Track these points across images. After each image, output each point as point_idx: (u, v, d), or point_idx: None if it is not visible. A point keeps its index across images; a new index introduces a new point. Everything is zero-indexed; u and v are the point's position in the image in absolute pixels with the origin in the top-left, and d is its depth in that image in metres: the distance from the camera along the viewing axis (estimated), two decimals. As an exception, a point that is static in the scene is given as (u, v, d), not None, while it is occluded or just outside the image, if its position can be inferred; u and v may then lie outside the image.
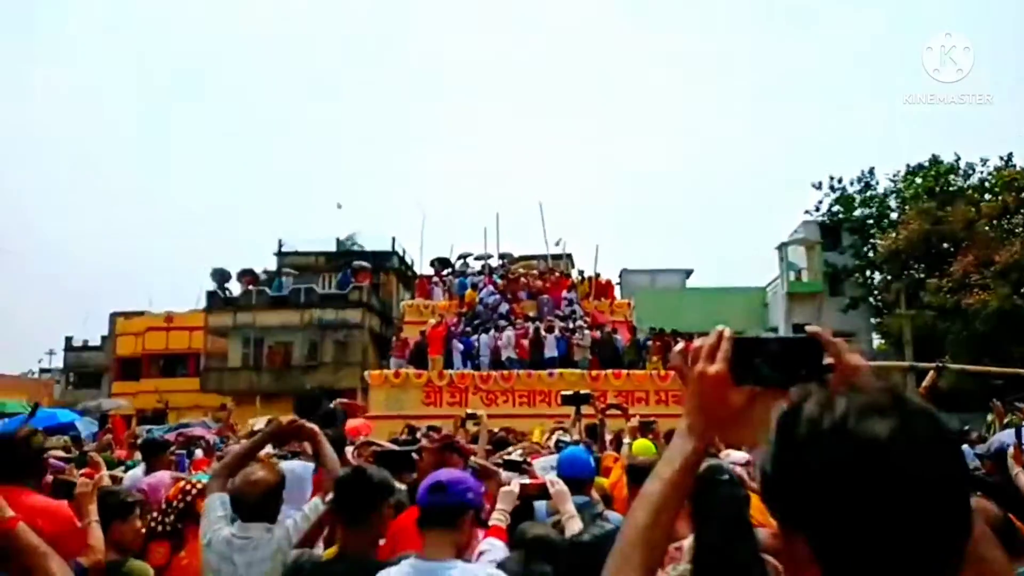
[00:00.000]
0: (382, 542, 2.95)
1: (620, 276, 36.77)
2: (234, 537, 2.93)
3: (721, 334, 1.07)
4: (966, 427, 13.61)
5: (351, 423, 11.56)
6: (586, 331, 20.13)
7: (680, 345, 1.17)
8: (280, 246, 35.03)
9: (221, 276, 30.97)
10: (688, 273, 40.81)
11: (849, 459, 0.73)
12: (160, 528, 3.76)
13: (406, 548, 2.91)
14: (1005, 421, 8.83)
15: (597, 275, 25.34)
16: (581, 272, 27.63)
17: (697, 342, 1.08)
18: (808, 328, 1.05)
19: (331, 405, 7.55)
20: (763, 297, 37.52)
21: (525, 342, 19.61)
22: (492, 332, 20.25)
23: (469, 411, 7.77)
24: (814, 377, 0.95)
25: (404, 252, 35.69)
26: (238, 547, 2.90)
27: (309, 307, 29.77)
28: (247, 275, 31.35)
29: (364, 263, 31.43)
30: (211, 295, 30.82)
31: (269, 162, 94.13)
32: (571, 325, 20.90)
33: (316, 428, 3.56)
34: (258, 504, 3.00)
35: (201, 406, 26.29)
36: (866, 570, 0.73)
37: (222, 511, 3.04)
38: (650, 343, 19.92)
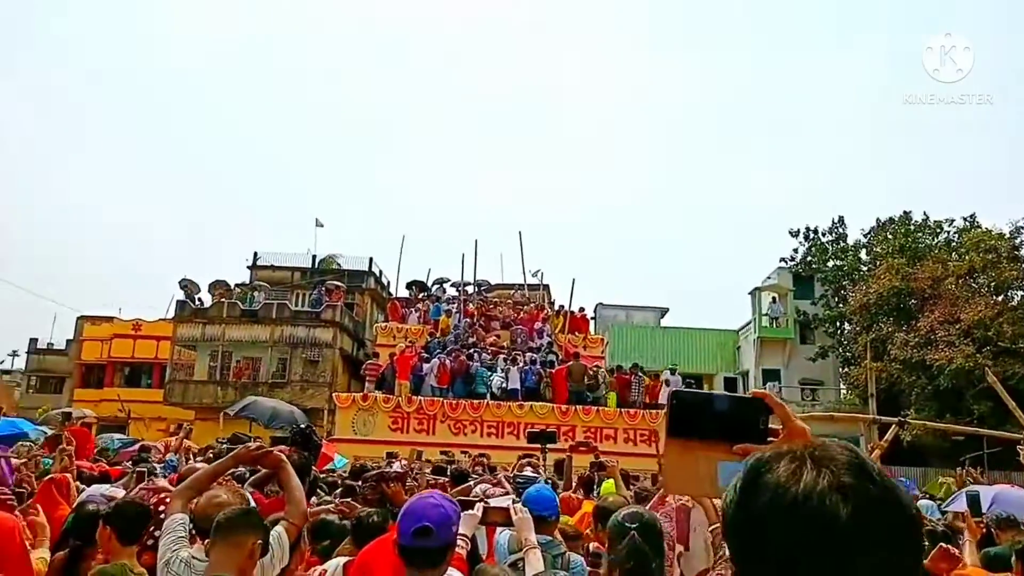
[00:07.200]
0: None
1: (595, 310, 36.97)
2: (194, 559, 2.86)
3: None
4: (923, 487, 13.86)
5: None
6: (559, 365, 20.16)
7: None
8: (255, 259, 34.73)
9: (190, 286, 30.57)
10: (664, 312, 41.13)
11: (805, 539, 0.77)
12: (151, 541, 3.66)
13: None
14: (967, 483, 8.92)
15: (581, 309, 25.54)
16: (556, 304, 27.76)
17: None
18: (754, 390, 1.13)
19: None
20: (735, 340, 37.93)
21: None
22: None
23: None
24: (758, 438, 1.02)
25: (381, 273, 35.56)
26: (199, 570, 2.82)
27: (280, 323, 29.47)
28: (219, 286, 31.00)
29: (338, 282, 31.22)
30: (180, 305, 30.40)
31: (250, 176, 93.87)
32: (544, 358, 20.92)
33: (283, 457, 3.55)
34: None
35: (164, 418, 25.79)
36: None
37: (182, 532, 2.97)
38: (612, 379, 19.97)
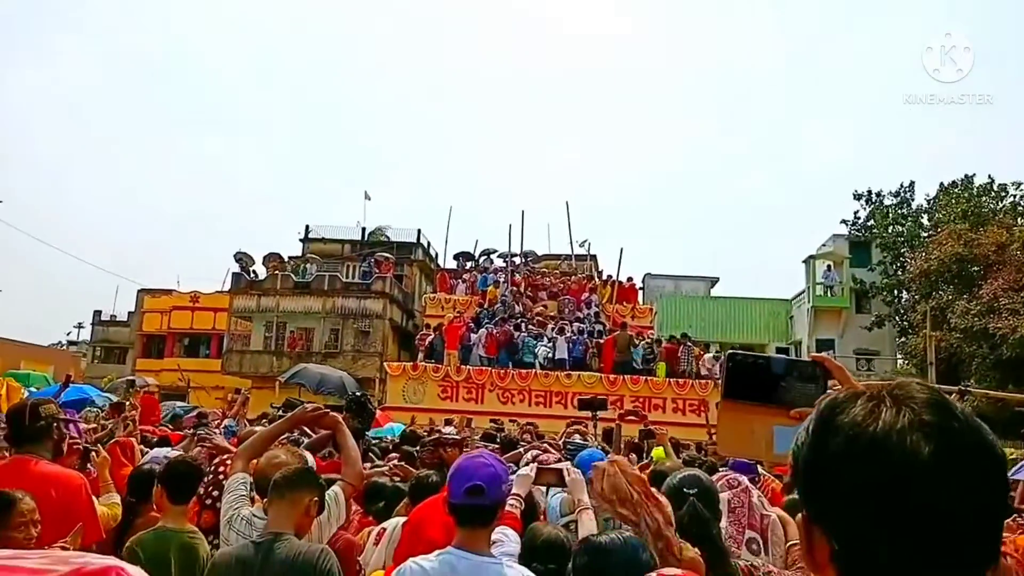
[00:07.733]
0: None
1: (644, 281, 36.61)
2: (255, 517, 2.95)
3: None
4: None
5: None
6: (606, 335, 20.09)
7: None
8: (307, 232, 35.33)
9: (245, 259, 31.29)
10: (714, 281, 40.52)
11: (884, 480, 0.72)
12: (209, 500, 3.78)
13: (428, 535, 3.00)
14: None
15: (629, 279, 25.40)
16: (603, 274, 27.57)
17: None
18: (813, 354, 1.11)
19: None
20: (788, 309, 37.20)
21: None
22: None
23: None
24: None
25: (429, 245, 35.83)
26: (259, 527, 2.88)
27: (332, 294, 30.00)
28: (273, 259, 31.66)
29: (387, 254, 31.59)
30: (236, 277, 31.16)
31: (301, 151, 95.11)
32: (591, 328, 20.87)
33: (339, 417, 3.64)
34: None
35: (221, 387, 26.61)
36: None
37: (244, 491, 3.07)
38: (661, 349, 19.82)
